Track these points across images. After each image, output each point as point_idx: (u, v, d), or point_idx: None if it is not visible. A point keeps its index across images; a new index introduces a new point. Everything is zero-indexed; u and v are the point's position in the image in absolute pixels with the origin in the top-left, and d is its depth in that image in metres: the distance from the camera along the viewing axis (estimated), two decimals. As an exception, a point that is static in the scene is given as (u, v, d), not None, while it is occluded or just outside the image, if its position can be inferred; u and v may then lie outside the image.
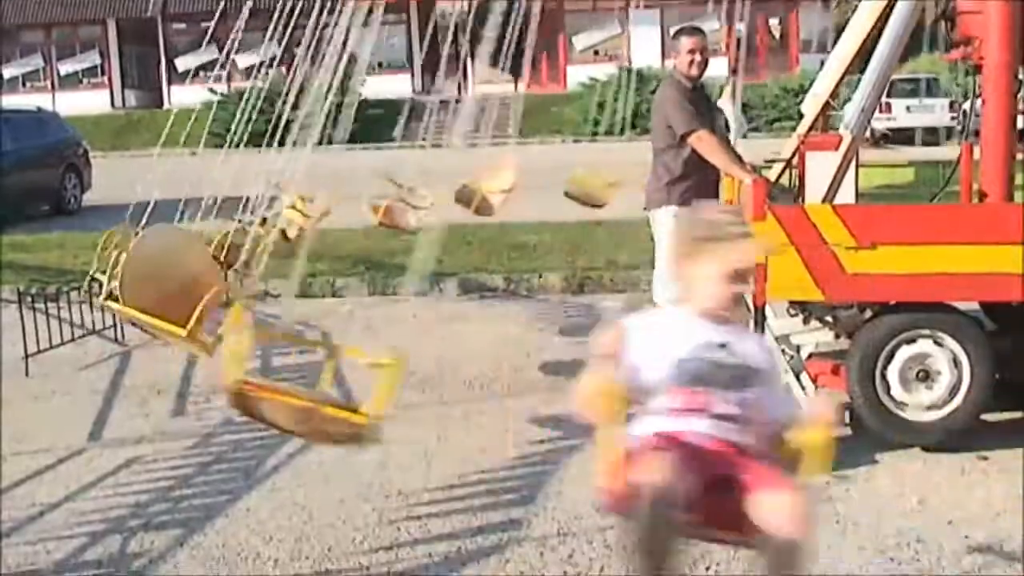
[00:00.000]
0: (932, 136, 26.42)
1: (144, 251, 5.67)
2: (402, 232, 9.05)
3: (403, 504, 5.07)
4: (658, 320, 3.34)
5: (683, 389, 3.13)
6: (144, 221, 7.34)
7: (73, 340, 7.95)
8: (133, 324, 6.43)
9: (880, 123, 26.90)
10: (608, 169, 9.50)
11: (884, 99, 22.43)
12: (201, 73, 35.03)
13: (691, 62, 6.80)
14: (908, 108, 28.37)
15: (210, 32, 28.61)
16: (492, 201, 8.73)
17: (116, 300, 5.66)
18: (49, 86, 41.74)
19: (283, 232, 8.47)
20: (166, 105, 39.94)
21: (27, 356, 7.48)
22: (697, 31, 6.99)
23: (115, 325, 8.21)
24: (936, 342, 5.49)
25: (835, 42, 7.56)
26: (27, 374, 7.43)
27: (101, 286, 7.10)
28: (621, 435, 3.09)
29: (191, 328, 5.57)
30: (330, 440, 4.73)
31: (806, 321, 6.03)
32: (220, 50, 37.44)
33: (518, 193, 8.86)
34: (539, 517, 4.89)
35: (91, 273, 7.70)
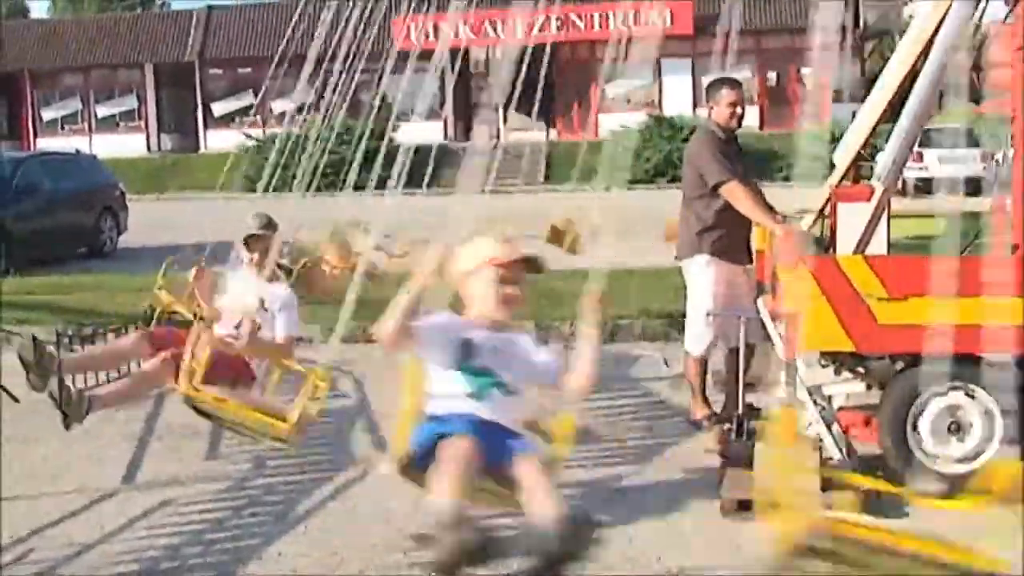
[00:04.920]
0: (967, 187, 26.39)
1: None
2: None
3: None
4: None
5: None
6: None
7: (108, 382, 7.97)
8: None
9: (912, 172, 26.79)
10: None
11: (916, 149, 22.37)
12: (237, 119, 35.46)
13: (732, 114, 6.88)
14: (940, 158, 28.25)
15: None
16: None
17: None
18: (86, 129, 42.29)
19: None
20: (202, 149, 40.43)
21: (63, 397, 7.50)
22: (737, 83, 7.06)
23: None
24: (968, 394, 5.47)
25: (867, 93, 7.57)
26: (62, 415, 7.46)
27: None
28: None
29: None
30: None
31: (838, 372, 6.02)
32: (256, 95, 38.05)
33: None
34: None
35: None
